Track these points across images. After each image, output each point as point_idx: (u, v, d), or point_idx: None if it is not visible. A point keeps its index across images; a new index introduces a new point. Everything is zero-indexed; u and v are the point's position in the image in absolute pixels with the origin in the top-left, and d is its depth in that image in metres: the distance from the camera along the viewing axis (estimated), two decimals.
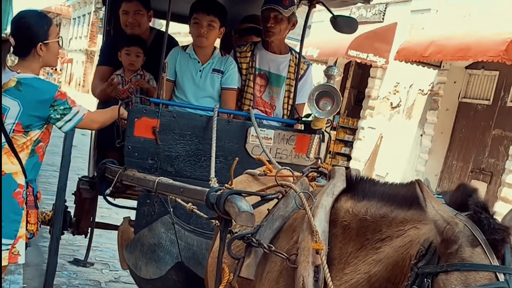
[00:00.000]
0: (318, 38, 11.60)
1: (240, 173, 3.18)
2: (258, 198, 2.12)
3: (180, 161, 3.19)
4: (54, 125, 2.81)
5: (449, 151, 10.04)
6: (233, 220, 1.96)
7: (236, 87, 3.52)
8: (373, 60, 11.19)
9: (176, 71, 3.45)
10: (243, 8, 4.29)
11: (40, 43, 2.75)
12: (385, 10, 11.60)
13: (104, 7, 4.50)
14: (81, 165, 6.85)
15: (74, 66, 40.02)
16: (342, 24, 3.45)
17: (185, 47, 3.52)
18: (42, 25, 2.79)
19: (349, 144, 12.54)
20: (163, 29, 3.37)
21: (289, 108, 3.62)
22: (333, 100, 2.94)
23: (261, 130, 3.19)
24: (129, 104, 3.27)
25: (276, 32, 3.47)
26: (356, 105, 12.89)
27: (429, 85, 10.21)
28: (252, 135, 3.21)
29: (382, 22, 11.45)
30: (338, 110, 3.15)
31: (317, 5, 3.62)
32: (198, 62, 3.44)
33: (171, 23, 3.42)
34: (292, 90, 3.59)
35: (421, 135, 10.28)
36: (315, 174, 2.12)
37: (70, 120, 2.78)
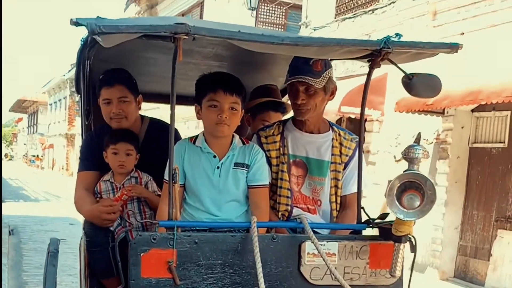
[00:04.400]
0: None
1: None
2: None
3: None
4: None
5: (467, 200, 9.36)
6: None
7: (268, 183, 2.65)
8: (368, 114, 10.61)
9: (185, 172, 2.57)
10: (250, 80, 3.45)
11: None
12: None
13: (79, 96, 3.57)
14: (72, 262, 6.20)
15: (56, 150, 40.40)
16: (420, 85, 2.51)
17: (193, 139, 2.66)
18: None
19: None
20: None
21: (338, 201, 2.74)
22: (422, 193, 2.07)
23: (320, 244, 2.27)
24: (127, 232, 2.36)
25: (310, 108, 2.67)
26: None
27: (434, 133, 9.62)
28: (309, 253, 2.30)
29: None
30: (432, 207, 2.22)
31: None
32: (214, 156, 2.58)
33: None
34: (340, 177, 2.72)
35: None
36: None
37: None
